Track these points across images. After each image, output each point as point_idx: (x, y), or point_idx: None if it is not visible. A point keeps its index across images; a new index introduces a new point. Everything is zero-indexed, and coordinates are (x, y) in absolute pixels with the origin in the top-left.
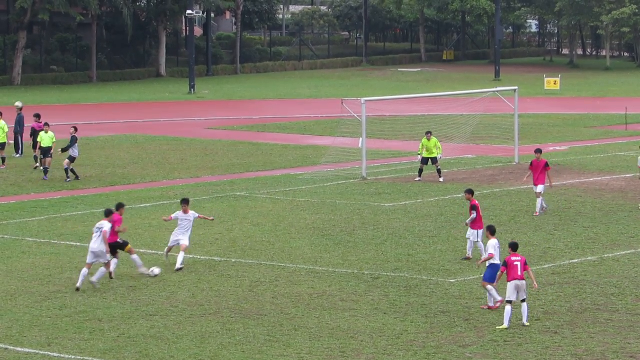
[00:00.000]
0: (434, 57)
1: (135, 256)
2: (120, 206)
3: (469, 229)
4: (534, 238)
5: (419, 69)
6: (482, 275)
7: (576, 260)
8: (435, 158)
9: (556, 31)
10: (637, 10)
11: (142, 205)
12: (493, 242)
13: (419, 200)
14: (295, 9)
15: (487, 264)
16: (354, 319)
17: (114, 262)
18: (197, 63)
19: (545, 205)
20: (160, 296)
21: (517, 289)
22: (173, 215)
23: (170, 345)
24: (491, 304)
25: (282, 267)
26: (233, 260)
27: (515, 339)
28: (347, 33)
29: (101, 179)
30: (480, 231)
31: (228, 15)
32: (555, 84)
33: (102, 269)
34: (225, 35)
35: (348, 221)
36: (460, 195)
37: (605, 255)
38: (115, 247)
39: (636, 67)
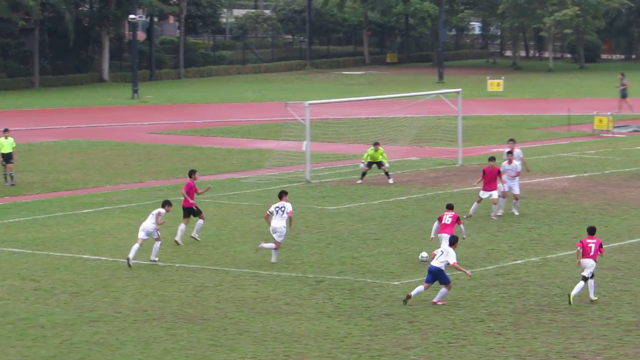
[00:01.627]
0: (378, 60)
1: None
2: (192, 172)
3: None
4: (477, 239)
5: (363, 72)
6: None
7: (519, 261)
8: (381, 162)
9: (499, 33)
10: (579, 12)
11: (85, 211)
12: (447, 248)
13: (362, 203)
14: (238, 12)
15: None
16: (298, 323)
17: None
18: (141, 68)
19: (500, 213)
20: (104, 302)
21: (585, 266)
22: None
23: (114, 351)
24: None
25: (226, 272)
26: (177, 265)
27: (459, 340)
28: (290, 36)
29: (44, 184)
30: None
31: (171, 19)
32: (498, 85)
33: (156, 245)
34: (169, 40)
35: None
36: (404, 198)
37: (549, 256)
38: (190, 212)
39: (578, 69)
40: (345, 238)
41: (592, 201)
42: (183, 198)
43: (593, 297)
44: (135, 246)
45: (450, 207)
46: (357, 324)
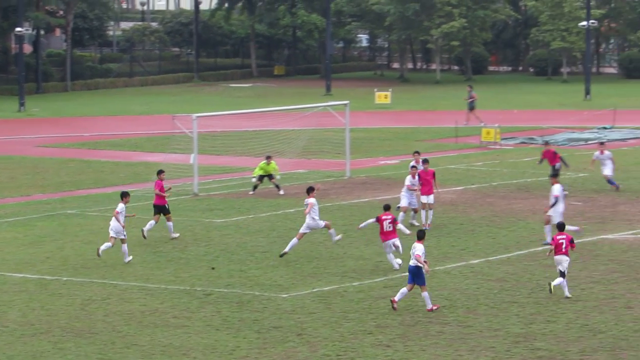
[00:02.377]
0: (265, 72)
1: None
2: (160, 172)
3: None
4: (365, 252)
5: (251, 85)
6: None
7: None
8: (271, 174)
9: (386, 45)
10: (466, 24)
11: None
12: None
13: (250, 216)
14: (125, 25)
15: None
16: (187, 336)
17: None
18: (27, 80)
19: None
20: None
21: (559, 262)
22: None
23: None
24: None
25: (114, 285)
26: (64, 279)
27: (347, 353)
28: (178, 49)
29: None
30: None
31: (58, 32)
32: (386, 97)
33: (124, 247)
34: (56, 53)
35: (180, 237)
36: (292, 211)
37: (437, 268)
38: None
39: (465, 81)
40: (233, 251)
41: (480, 213)
42: (155, 196)
43: (568, 295)
44: (107, 244)
45: (387, 209)
46: (246, 337)
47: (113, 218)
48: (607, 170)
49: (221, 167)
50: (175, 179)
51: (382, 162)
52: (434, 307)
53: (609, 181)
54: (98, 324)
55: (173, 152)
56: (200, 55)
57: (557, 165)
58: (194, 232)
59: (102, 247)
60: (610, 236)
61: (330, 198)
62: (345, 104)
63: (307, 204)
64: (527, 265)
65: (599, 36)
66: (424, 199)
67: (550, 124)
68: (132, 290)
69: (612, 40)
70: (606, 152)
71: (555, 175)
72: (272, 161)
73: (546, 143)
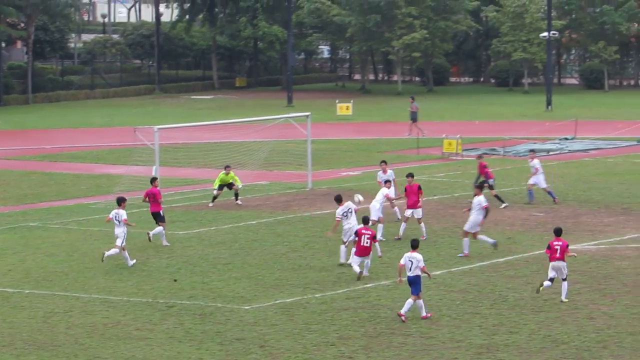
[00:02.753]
0: (227, 84)
1: None
2: (154, 179)
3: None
4: (327, 263)
5: (212, 96)
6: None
7: (370, 285)
8: (231, 183)
9: (348, 57)
10: (427, 36)
11: None
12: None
13: (212, 228)
14: (87, 37)
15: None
16: (149, 348)
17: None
18: None
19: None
20: None
21: (555, 269)
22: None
23: None
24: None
25: (76, 297)
26: (26, 292)
27: None
28: (139, 61)
29: None
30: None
31: (19, 44)
32: (347, 109)
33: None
34: (17, 65)
35: (142, 250)
36: (254, 222)
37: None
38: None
39: (427, 92)
40: (195, 263)
41: (442, 224)
42: (151, 204)
43: (564, 299)
44: (114, 250)
45: (365, 222)
46: (208, 349)
47: (120, 225)
48: (542, 183)
49: (183, 179)
50: (137, 191)
51: (344, 173)
52: (429, 315)
53: (549, 193)
54: (60, 337)
55: (135, 165)
56: (161, 67)
57: (491, 181)
58: (156, 244)
59: (110, 253)
60: (572, 247)
61: (293, 209)
62: (306, 116)
63: (350, 211)
64: (489, 276)
65: (560, 47)
66: (409, 212)
67: (512, 135)
68: (95, 303)
69: (573, 51)
70: (535, 160)
71: (480, 186)
72: (230, 171)
73: (480, 157)
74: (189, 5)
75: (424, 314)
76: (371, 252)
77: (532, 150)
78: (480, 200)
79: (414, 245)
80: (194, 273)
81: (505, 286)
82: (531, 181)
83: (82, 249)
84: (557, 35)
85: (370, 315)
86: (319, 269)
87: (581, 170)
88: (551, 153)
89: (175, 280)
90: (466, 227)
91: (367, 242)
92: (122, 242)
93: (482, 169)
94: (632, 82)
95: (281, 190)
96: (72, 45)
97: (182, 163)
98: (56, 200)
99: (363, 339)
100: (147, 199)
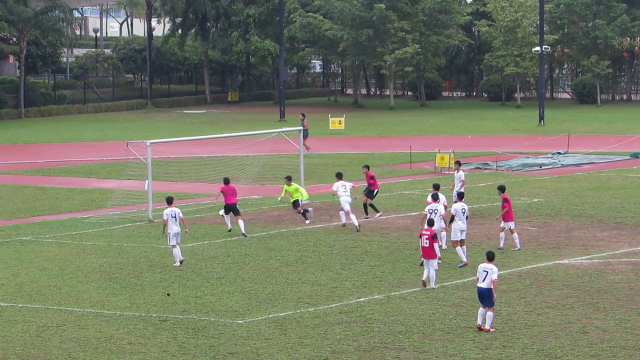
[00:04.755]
0: (219, 98)
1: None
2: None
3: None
4: (320, 277)
5: (204, 111)
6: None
7: (363, 299)
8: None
9: (340, 71)
10: (419, 50)
11: None
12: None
13: (205, 242)
14: (79, 52)
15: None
16: None
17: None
18: None
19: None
20: None
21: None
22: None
23: None
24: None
25: (70, 312)
26: (19, 306)
27: None
28: (131, 75)
29: None
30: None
31: (11, 59)
32: (340, 123)
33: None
34: (9, 79)
35: (135, 264)
36: (246, 237)
37: (392, 294)
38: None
39: (419, 106)
40: (188, 277)
41: None
42: (227, 197)
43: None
44: (176, 250)
45: (431, 224)
46: None
47: (177, 223)
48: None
49: (175, 194)
50: (129, 205)
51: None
52: (491, 329)
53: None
54: (54, 351)
55: (127, 179)
56: (153, 81)
57: (375, 191)
58: (149, 258)
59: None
60: (565, 261)
61: (285, 224)
62: (299, 130)
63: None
64: None
65: (552, 62)
66: (507, 225)
67: (505, 150)
68: (88, 317)
69: (565, 66)
70: (460, 172)
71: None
72: (292, 183)
73: (367, 167)
74: (180, 20)
75: (488, 326)
76: (436, 256)
77: (457, 162)
78: (455, 207)
79: (490, 257)
80: (187, 287)
81: (498, 300)
82: (455, 193)
83: (75, 263)
84: (549, 50)
85: (364, 330)
86: (312, 283)
87: (574, 184)
88: (544, 167)
89: (168, 295)
90: (453, 238)
91: (426, 243)
92: (178, 240)
93: (369, 178)
94: (625, 97)
95: (273, 205)
96: (64, 59)
97: (175, 177)
98: (49, 215)
99: (356, 353)
100: (221, 195)
